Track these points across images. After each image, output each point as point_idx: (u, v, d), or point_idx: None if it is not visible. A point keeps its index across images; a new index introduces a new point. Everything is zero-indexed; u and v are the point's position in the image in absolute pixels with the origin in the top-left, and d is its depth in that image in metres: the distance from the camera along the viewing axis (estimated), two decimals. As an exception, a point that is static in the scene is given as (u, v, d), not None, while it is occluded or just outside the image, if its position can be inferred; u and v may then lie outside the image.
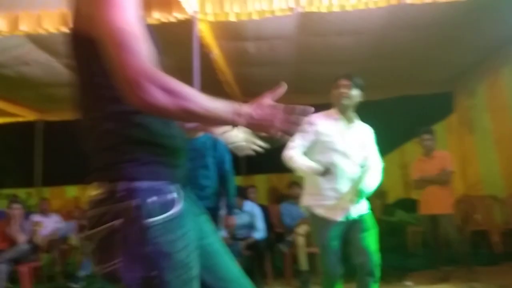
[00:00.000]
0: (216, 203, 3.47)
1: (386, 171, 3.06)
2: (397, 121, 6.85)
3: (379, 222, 6.42)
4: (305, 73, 6.40)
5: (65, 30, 4.37)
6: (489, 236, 5.58)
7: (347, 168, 2.76)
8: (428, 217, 4.75)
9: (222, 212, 3.64)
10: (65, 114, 7.76)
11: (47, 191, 8.55)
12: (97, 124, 1.09)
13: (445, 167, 4.70)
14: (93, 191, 1.05)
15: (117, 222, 0.99)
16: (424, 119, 5.87)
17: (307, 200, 2.88)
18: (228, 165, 3.49)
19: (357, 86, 2.80)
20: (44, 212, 6.30)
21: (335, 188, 2.75)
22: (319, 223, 2.77)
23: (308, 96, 7.36)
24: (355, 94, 2.81)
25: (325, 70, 6.24)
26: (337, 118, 2.86)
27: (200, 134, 3.27)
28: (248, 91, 7.21)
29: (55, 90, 6.58)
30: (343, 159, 2.77)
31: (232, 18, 4.30)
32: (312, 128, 2.79)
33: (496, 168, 6.09)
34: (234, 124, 1.03)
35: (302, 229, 4.82)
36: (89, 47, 1.03)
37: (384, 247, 2.92)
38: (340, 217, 2.74)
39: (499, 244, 5.47)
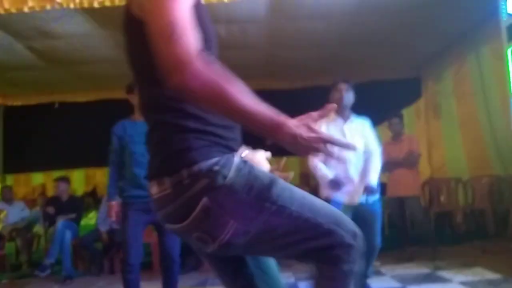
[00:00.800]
0: None
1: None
2: (366, 106, 6.93)
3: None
4: (276, 57, 6.38)
5: (26, 10, 4.18)
6: (453, 217, 5.80)
7: (353, 159, 3.19)
8: (395, 199, 4.88)
9: None
10: (28, 98, 7.49)
11: (11, 178, 8.28)
12: (150, 113, 1.14)
13: (413, 150, 4.82)
14: (155, 188, 1.10)
15: (204, 201, 1.04)
16: (393, 104, 5.98)
17: (326, 189, 3.30)
18: None
19: (353, 88, 3.29)
20: (8, 200, 6.10)
21: (347, 176, 3.20)
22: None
23: (278, 80, 7.38)
24: (351, 96, 3.29)
25: (296, 54, 6.25)
26: (334, 118, 3.28)
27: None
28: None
29: (16, 73, 6.31)
30: (348, 151, 3.16)
31: (202, 0, 4.21)
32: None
33: (460, 151, 6.30)
34: (272, 136, 1.01)
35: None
36: (142, 29, 1.05)
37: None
38: (354, 201, 3.20)
39: (462, 224, 5.70)
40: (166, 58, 0.97)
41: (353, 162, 3.22)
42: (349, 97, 3.28)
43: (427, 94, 7.33)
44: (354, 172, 3.23)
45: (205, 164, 1.05)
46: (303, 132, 1.00)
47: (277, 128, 0.99)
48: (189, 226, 1.07)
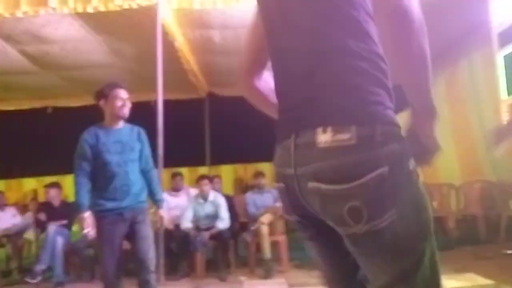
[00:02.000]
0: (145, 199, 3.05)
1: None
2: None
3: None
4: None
5: (20, 14, 4.17)
6: (445, 222, 5.83)
7: None
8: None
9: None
10: (20, 103, 7.45)
11: (2, 184, 8.20)
12: (341, 60, 0.97)
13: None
14: (326, 136, 0.93)
15: (383, 170, 0.90)
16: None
17: None
18: (151, 159, 3.11)
19: None
20: (-1, 205, 6.04)
21: None
22: None
23: (273, 86, 7.40)
24: None
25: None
26: None
27: (122, 124, 2.95)
28: (213, 80, 7.16)
29: (9, 78, 6.29)
30: None
31: (197, 5, 4.23)
32: None
33: (453, 157, 6.34)
34: (417, 116, 1.02)
35: (266, 218, 4.86)
36: None
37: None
38: None
39: (454, 230, 5.72)
40: None
41: None
42: None
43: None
44: None
45: (397, 130, 0.96)
46: (436, 137, 1.04)
47: (430, 116, 1.02)
48: (352, 191, 0.90)
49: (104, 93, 2.90)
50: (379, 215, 0.90)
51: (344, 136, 0.92)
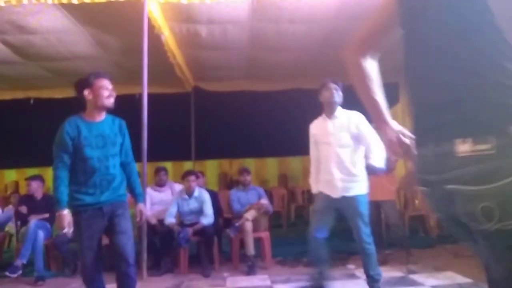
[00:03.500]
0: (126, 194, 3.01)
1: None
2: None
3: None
4: (256, 59, 6.40)
5: (2, 3, 4.08)
6: (426, 221, 5.92)
7: (333, 155, 3.41)
8: (371, 203, 4.93)
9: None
10: (2, 94, 7.31)
11: (-19, 175, 8.06)
12: (478, 74, 1.07)
13: (390, 156, 4.88)
14: (465, 146, 1.05)
15: None
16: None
17: (314, 184, 3.61)
18: (131, 151, 3.03)
19: (341, 88, 3.52)
20: (-22, 197, 5.93)
21: (329, 172, 3.42)
22: (318, 196, 3.53)
23: (259, 82, 7.40)
24: (340, 95, 3.51)
25: (276, 57, 6.28)
26: (324, 117, 3.52)
27: (103, 115, 2.86)
28: (199, 75, 7.12)
29: (-9, 68, 6.16)
30: (328, 147, 3.44)
31: (184, 0, 4.20)
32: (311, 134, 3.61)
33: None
34: None
35: (250, 214, 4.87)
36: None
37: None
38: (335, 195, 3.38)
39: (435, 228, 5.82)
40: None
41: (334, 158, 3.40)
42: (339, 95, 3.49)
43: (404, 99, 7.46)
44: (335, 167, 3.39)
45: None
46: None
47: None
48: (487, 192, 1.02)
49: (89, 82, 2.78)
50: (509, 216, 1.01)
51: (483, 147, 1.03)
